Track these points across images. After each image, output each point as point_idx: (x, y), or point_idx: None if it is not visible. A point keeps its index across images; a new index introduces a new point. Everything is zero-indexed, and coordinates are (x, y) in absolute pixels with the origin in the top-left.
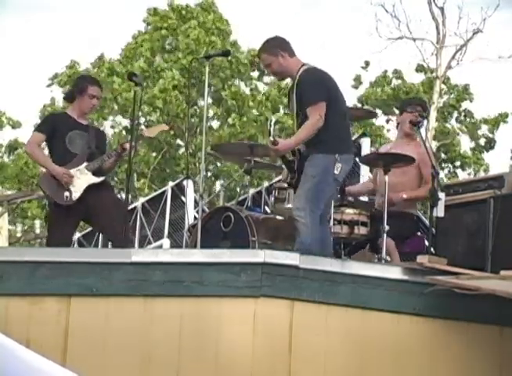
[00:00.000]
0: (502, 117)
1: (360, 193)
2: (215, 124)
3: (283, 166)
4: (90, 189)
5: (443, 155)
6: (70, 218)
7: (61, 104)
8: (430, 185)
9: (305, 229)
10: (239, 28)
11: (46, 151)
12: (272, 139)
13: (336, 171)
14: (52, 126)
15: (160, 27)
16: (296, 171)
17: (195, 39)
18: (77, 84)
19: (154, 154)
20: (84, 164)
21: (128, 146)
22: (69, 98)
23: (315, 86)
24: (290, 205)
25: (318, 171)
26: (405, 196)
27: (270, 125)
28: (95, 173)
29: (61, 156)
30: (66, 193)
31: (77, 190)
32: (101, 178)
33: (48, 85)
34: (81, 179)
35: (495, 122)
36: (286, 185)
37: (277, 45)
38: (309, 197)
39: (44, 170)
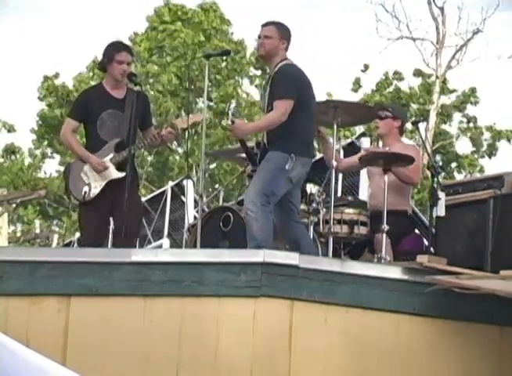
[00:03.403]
0: (506, 134)
1: (353, 166)
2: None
3: (246, 156)
4: (111, 184)
5: (440, 157)
6: (97, 213)
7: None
8: (411, 172)
9: (256, 224)
10: (238, 28)
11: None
12: (230, 119)
13: (290, 170)
14: (84, 108)
15: (157, 26)
16: (258, 163)
17: (182, 42)
18: (105, 53)
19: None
20: (110, 155)
21: (165, 132)
22: (101, 69)
23: (289, 82)
24: None
25: (270, 168)
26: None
27: (229, 109)
28: (120, 166)
29: (92, 143)
30: (85, 189)
31: (97, 186)
32: (123, 174)
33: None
34: (104, 174)
35: (498, 134)
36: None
37: (286, 32)
38: (260, 190)
39: (74, 159)
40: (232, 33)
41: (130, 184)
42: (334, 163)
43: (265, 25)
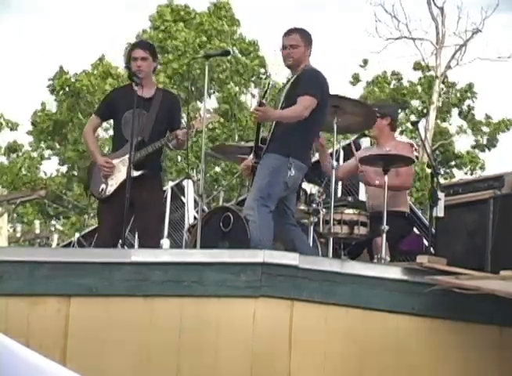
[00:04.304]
0: (505, 124)
1: (350, 172)
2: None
3: (253, 147)
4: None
5: (439, 154)
6: (112, 211)
7: (54, 109)
8: (403, 177)
9: (254, 225)
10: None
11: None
12: (261, 101)
13: (285, 173)
14: (110, 106)
15: (159, 26)
16: (261, 157)
17: (183, 41)
18: (126, 55)
19: None
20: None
21: (181, 133)
22: (128, 71)
23: (316, 82)
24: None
25: (266, 173)
26: (377, 182)
27: (267, 87)
28: (138, 165)
29: (117, 141)
30: (102, 186)
31: (113, 184)
32: (139, 172)
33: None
34: (121, 172)
35: (498, 127)
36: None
37: (310, 39)
38: (257, 195)
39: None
40: (240, 33)
41: (151, 183)
42: (335, 163)
43: (288, 34)
